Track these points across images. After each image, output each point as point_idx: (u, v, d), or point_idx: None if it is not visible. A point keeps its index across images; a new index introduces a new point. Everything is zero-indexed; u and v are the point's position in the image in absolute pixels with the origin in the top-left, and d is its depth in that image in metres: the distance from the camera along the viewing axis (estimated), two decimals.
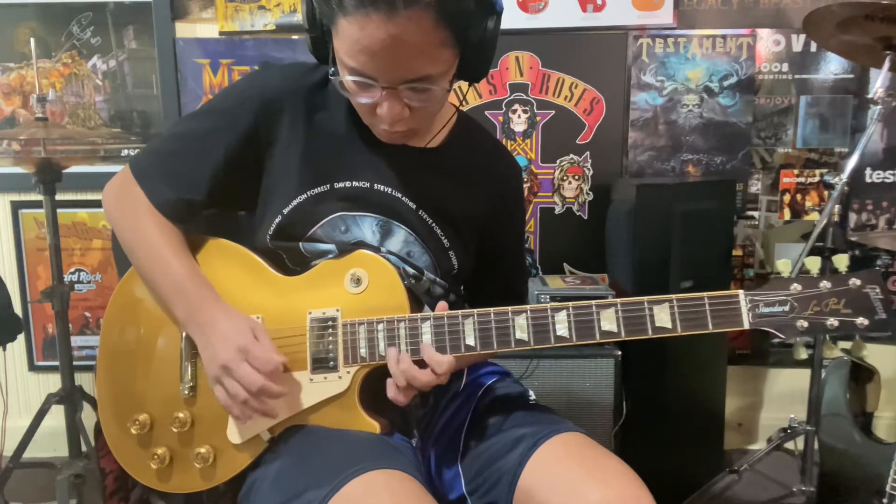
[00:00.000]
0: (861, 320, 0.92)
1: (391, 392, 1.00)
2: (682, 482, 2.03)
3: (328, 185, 1.08)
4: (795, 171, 2.33)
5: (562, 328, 0.97)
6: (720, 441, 2.19)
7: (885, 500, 1.52)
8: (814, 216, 2.33)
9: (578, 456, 0.99)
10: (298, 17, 2.29)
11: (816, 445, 1.89)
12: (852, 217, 2.32)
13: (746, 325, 0.93)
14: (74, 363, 1.96)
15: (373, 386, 1.05)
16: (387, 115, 0.96)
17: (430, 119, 1.08)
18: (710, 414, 2.16)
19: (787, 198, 2.35)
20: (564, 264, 2.35)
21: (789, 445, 2.00)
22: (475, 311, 0.99)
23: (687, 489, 2.03)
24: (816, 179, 2.32)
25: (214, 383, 1.01)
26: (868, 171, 2.30)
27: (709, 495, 2.01)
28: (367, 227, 1.09)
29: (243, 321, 1.02)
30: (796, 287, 0.93)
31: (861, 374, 1.88)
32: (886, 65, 1.72)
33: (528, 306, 0.98)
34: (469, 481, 1.05)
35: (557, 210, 2.36)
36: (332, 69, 0.96)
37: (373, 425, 1.02)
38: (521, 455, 0.99)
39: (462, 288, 1.25)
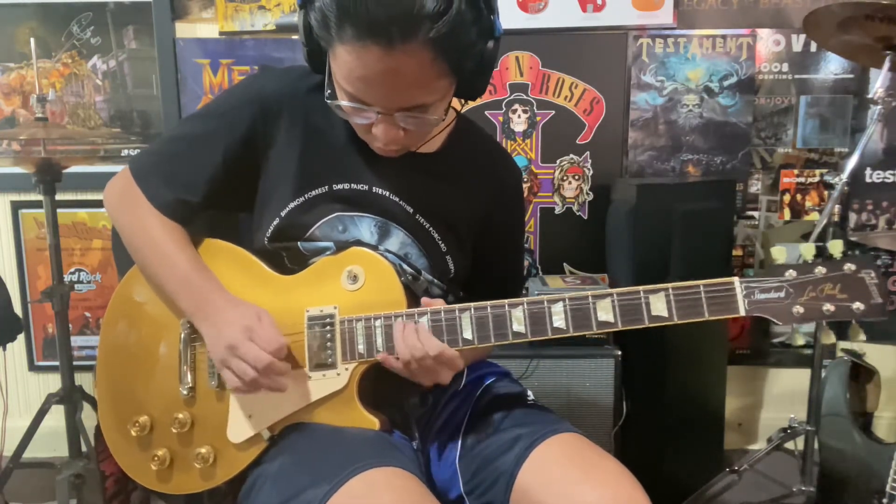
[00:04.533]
0: (857, 305, 0.92)
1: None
2: (682, 482, 2.03)
3: (326, 187, 1.08)
4: (795, 171, 2.33)
5: (558, 319, 0.97)
6: (720, 441, 2.19)
7: (885, 500, 1.51)
8: (814, 216, 2.33)
9: (575, 457, 0.99)
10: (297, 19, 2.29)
11: (816, 445, 1.89)
12: (852, 217, 2.32)
13: (742, 312, 0.93)
14: (74, 363, 1.96)
15: (371, 382, 1.05)
16: (382, 137, 0.97)
17: (425, 137, 1.08)
18: (710, 414, 2.16)
19: (787, 198, 2.34)
20: (564, 264, 2.35)
21: (789, 445, 1.99)
22: (472, 304, 0.99)
23: (687, 489, 2.03)
24: (816, 179, 2.32)
25: (221, 367, 1.02)
26: (868, 171, 2.30)
27: (709, 495, 2.01)
28: (365, 227, 1.10)
29: (249, 307, 1.03)
30: (791, 273, 0.93)
31: (861, 374, 1.88)
32: (886, 65, 1.72)
33: (524, 298, 0.99)
34: (467, 481, 1.05)
35: (557, 210, 2.36)
36: (329, 91, 0.97)
37: (372, 421, 1.02)
38: (517, 455, 0.99)
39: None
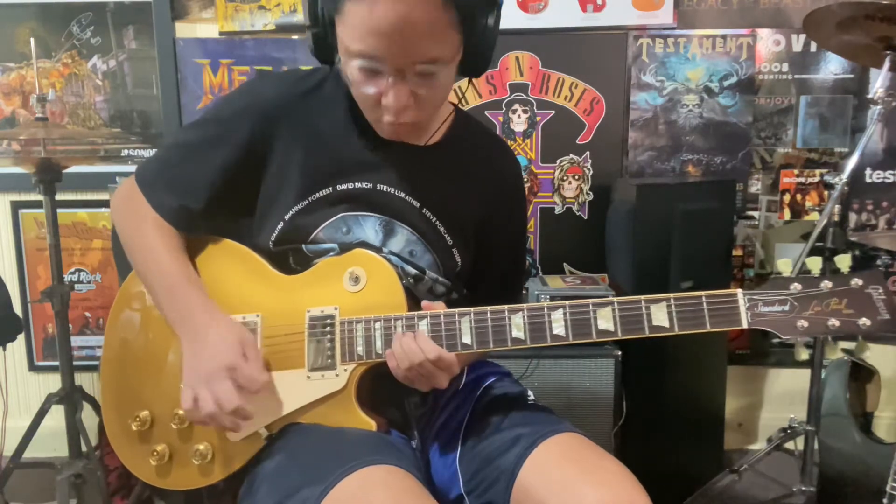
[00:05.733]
0: (863, 321, 0.91)
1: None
2: (682, 482, 2.03)
3: (330, 189, 1.09)
4: (795, 171, 2.33)
5: (558, 327, 0.97)
6: (720, 441, 2.19)
7: (885, 500, 1.51)
8: (814, 216, 2.33)
9: (576, 456, 0.98)
10: (298, 17, 2.29)
11: (816, 445, 1.89)
12: (852, 217, 2.32)
13: (745, 325, 0.92)
14: (74, 363, 1.95)
15: (370, 384, 1.05)
16: (393, 104, 0.95)
17: (434, 110, 1.07)
18: (710, 414, 2.16)
19: (787, 198, 2.34)
20: (564, 264, 2.35)
21: (789, 445, 2.00)
22: (472, 309, 0.99)
23: (687, 489, 2.03)
24: (816, 179, 2.32)
25: (187, 388, 1.01)
26: (868, 171, 2.30)
27: (709, 495, 2.01)
28: (369, 226, 1.10)
29: (232, 333, 1.02)
30: (796, 287, 0.92)
31: (861, 374, 1.88)
32: (886, 65, 1.72)
33: (524, 305, 0.98)
34: (467, 481, 1.05)
35: (557, 210, 2.36)
36: (337, 59, 0.97)
37: (370, 423, 1.03)
38: (518, 455, 0.99)
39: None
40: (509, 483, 0.97)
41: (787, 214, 2.35)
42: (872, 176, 2.30)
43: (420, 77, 0.94)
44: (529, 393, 1.18)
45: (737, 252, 2.35)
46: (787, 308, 0.92)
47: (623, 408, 1.91)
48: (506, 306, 0.99)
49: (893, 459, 1.50)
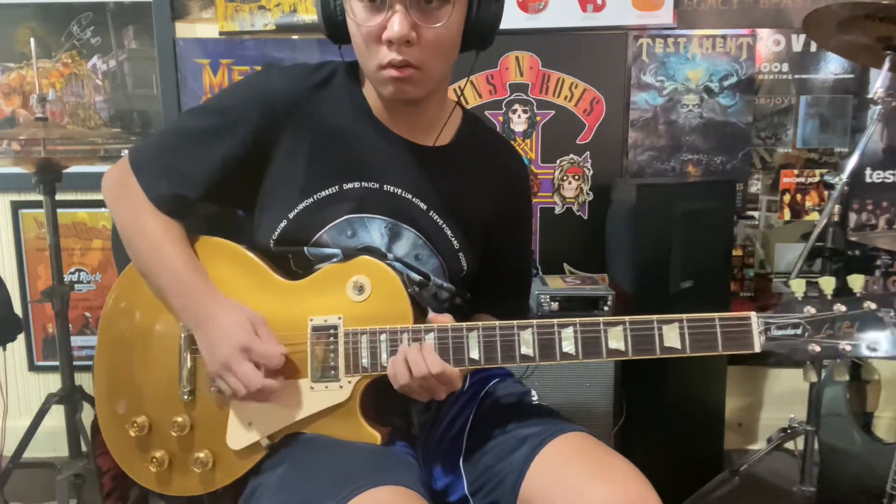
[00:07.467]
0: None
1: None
2: (682, 482, 2.03)
3: (337, 187, 1.06)
4: (795, 171, 2.33)
5: (568, 345, 0.96)
6: (720, 441, 2.19)
7: (885, 501, 1.51)
8: (814, 216, 2.33)
9: (583, 455, 0.98)
10: (299, 17, 2.29)
11: (816, 445, 1.89)
12: (852, 217, 2.32)
13: (758, 348, 0.92)
14: (74, 363, 1.96)
15: (374, 393, 1.03)
16: (396, 31, 0.93)
17: (436, 65, 1.01)
18: (710, 414, 2.16)
19: (787, 198, 2.34)
20: (564, 264, 2.35)
21: (789, 445, 1.99)
22: (480, 324, 0.98)
23: (687, 489, 2.03)
24: (816, 179, 2.32)
25: (216, 378, 1.01)
26: (868, 171, 2.30)
27: (709, 495, 2.01)
28: (375, 229, 1.08)
29: (241, 315, 1.01)
30: (810, 310, 0.92)
31: (861, 374, 1.88)
32: (886, 65, 1.72)
33: (534, 321, 0.97)
34: (471, 482, 1.04)
35: (557, 210, 2.36)
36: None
37: (374, 436, 1.01)
38: (525, 455, 0.98)
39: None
40: (517, 483, 0.97)
41: (787, 214, 2.35)
42: (872, 176, 2.30)
43: (423, 13, 0.94)
44: (534, 393, 1.17)
45: (737, 252, 2.35)
46: (799, 331, 0.92)
47: (623, 408, 1.91)
48: (515, 322, 0.97)
49: (893, 459, 1.50)
